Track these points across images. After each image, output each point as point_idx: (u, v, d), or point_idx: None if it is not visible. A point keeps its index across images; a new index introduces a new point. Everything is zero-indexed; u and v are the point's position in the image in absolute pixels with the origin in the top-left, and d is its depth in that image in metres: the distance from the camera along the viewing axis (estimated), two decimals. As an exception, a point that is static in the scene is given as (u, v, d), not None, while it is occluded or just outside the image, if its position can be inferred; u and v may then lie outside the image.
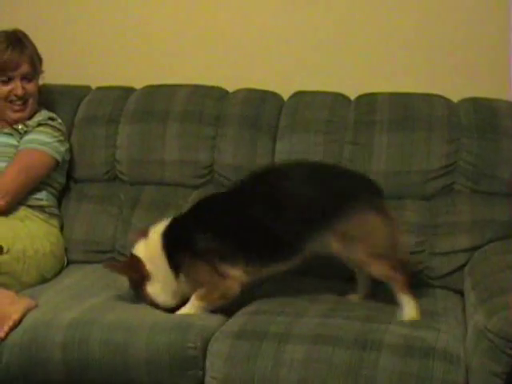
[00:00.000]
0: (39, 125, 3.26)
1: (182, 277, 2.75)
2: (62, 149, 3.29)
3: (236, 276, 2.73)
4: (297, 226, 2.71)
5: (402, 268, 2.71)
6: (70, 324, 2.60)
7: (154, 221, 3.13)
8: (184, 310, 2.73)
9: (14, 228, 3.05)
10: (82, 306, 2.72)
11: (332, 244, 2.71)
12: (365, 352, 2.39)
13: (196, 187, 3.30)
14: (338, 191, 2.74)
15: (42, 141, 3.22)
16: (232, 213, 2.76)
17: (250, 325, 2.56)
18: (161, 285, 2.76)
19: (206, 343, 2.52)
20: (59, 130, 3.30)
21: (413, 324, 2.57)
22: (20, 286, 2.96)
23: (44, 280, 3.07)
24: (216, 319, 2.67)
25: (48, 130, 3.26)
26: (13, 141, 3.24)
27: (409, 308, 2.67)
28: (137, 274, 2.78)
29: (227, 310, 2.74)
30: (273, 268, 2.79)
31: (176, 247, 2.76)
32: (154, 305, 2.77)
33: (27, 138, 3.22)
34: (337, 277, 3.02)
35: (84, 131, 3.42)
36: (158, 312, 2.70)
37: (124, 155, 3.36)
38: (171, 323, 2.58)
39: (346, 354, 2.39)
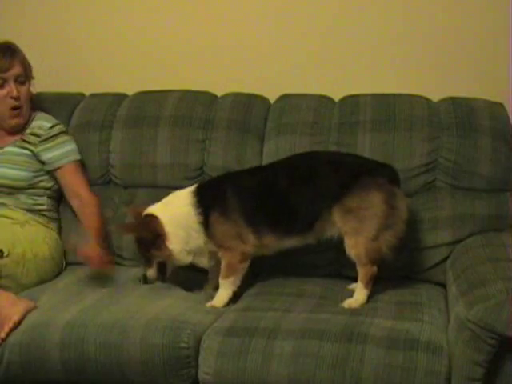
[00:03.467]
0: (60, 133, 3.35)
1: (208, 233, 2.88)
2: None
3: (254, 243, 2.88)
4: (312, 202, 2.85)
5: (375, 258, 2.82)
6: (66, 325, 2.66)
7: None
8: (219, 296, 2.87)
9: (13, 232, 3.12)
10: (78, 306, 2.78)
11: (336, 218, 2.82)
12: (351, 345, 2.46)
13: (187, 189, 3.38)
14: (351, 171, 2.86)
15: (73, 150, 3.36)
16: (260, 183, 2.92)
17: (240, 321, 2.63)
18: (181, 243, 2.89)
19: (198, 341, 2.59)
20: (66, 132, 3.41)
21: (397, 316, 2.64)
22: (19, 288, 3.03)
23: (43, 282, 3.14)
24: (208, 316, 2.74)
25: (66, 137, 3.37)
26: (25, 150, 3.31)
27: (356, 296, 2.79)
28: (152, 232, 2.89)
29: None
30: (287, 241, 2.90)
31: (206, 205, 2.89)
32: (167, 263, 2.93)
33: (59, 152, 3.32)
34: (322, 273, 3.12)
35: (79, 137, 3.45)
36: (151, 309, 2.75)
37: (117, 159, 3.42)
38: (164, 322, 2.64)
39: (333, 347, 2.47)
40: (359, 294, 2.81)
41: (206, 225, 2.88)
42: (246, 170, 3.10)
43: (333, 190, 2.83)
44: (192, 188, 2.97)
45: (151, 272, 2.97)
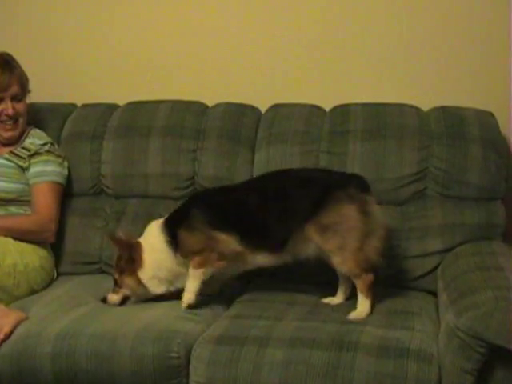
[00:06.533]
0: (46, 152, 3.34)
1: (178, 255, 2.86)
2: (66, 172, 3.40)
3: (229, 240, 2.82)
4: (283, 219, 2.82)
5: (367, 266, 2.79)
6: (57, 335, 2.66)
7: (139, 233, 3.23)
8: (187, 287, 2.84)
9: (4, 244, 3.12)
10: (69, 317, 2.78)
11: (312, 235, 2.79)
12: (341, 353, 2.46)
13: (178, 199, 3.33)
14: (321, 187, 2.83)
15: (54, 171, 3.33)
16: (229, 200, 2.89)
17: (231, 330, 2.63)
18: (153, 272, 2.89)
19: (189, 350, 2.59)
20: (59, 155, 3.39)
21: (388, 324, 2.64)
22: (11, 299, 3.03)
23: (34, 293, 3.14)
24: (198, 325, 2.74)
25: (53, 158, 3.35)
26: (12, 163, 3.31)
27: (360, 308, 2.77)
28: (129, 254, 2.90)
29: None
30: (261, 257, 2.87)
31: (173, 225, 2.89)
32: (136, 292, 2.92)
33: (38, 169, 3.31)
34: (314, 281, 3.11)
35: (70, 147, 3.48)
36: (142, 319, 2.74)
37: (109, 170, 3.42)
38: (155, 332, 2.64)
39: (323, 355, 2.47)
40: (362, 305, 2.79)
41: (176, 245, 2.87)
42: (215, 188, 3.08)
43: (304, 207, 2.81)
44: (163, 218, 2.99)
45: (114, 298, 2.95)
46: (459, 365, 2.36)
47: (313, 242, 2.82)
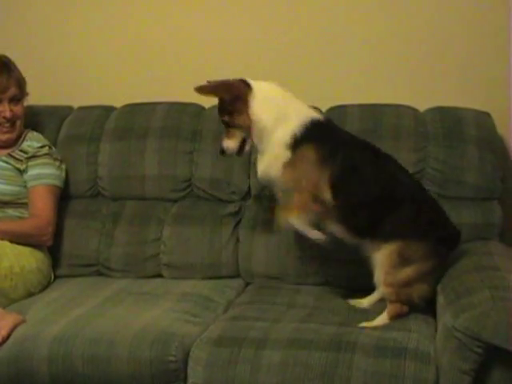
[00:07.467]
0: (44, 154, 3.34)
1: (290, 153, 2.76)
2: (64, 174, 3.41)
3: (324, 201, 2.75)
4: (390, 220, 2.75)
5: (405, 301, 2.75)
6: (54, 338, 2.66)
7: (136, 234, 3.25)
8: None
9: (0, 246, 3.10)
10: (66, 319, 2.77)
11: (383, 248, 2.75)
12: (339, 353, 2.46)
13: (175, 201, 3.37)
14: (426, 223, 2.78)
15: (52, 174, 3.33)
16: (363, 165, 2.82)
17: (229, 331, 2.64)
18: (267, 112, 2.76)
19: (186, 353, 2.59)
20: (57, 158, 3.39)
21: (385, 326, 2.67)
22: (8, 302, 3.02)
23: (31, 296, 3.14)
24: (196, 327, 2.73)
25: (50, 160, 3.35)
26: (10, 165, 3.32)
27: (375, 322, 2.74)
28: (233, 94, 2.76)
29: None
30: (342, 234, 2.81)
31: (312, 133, 2.78)
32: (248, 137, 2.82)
33: (36, 172, 3.31)
34: (314, 283, 3.12)
35: (67, 149, 3.48)
36: (139, 321, 2.74)
37: (106, 172, 3.42)
38: (152, 335, 2.63)
39: (321, 356, 2.47)
40: (380, 321, 2.74)
41: (295, 145, 2.75)
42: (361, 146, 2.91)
43: (402, 229, 2.75)
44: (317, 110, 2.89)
45: (231, 145, 2.84)
46: (457, 365, 2.36)
47: (378, 252, 2.77)
